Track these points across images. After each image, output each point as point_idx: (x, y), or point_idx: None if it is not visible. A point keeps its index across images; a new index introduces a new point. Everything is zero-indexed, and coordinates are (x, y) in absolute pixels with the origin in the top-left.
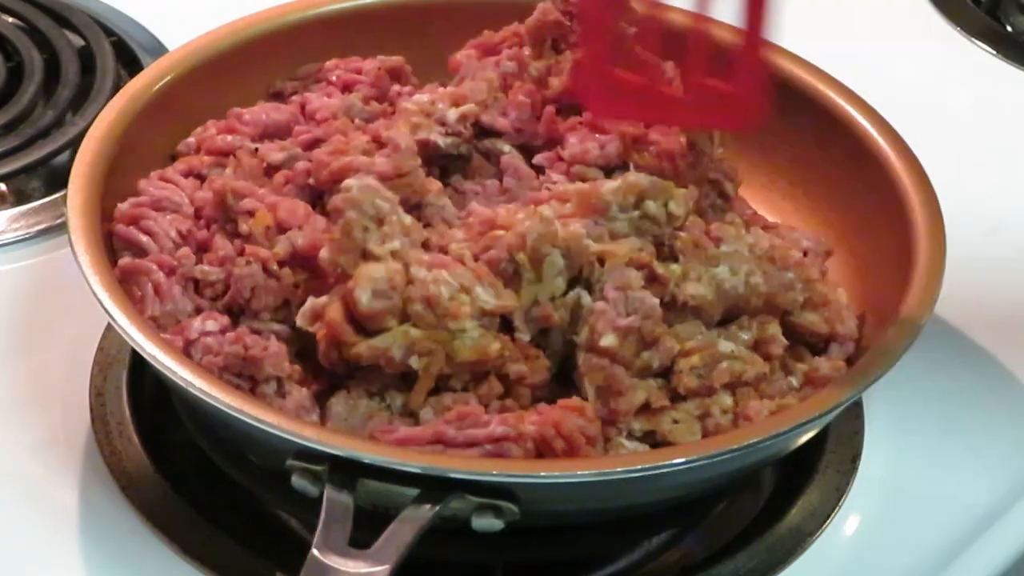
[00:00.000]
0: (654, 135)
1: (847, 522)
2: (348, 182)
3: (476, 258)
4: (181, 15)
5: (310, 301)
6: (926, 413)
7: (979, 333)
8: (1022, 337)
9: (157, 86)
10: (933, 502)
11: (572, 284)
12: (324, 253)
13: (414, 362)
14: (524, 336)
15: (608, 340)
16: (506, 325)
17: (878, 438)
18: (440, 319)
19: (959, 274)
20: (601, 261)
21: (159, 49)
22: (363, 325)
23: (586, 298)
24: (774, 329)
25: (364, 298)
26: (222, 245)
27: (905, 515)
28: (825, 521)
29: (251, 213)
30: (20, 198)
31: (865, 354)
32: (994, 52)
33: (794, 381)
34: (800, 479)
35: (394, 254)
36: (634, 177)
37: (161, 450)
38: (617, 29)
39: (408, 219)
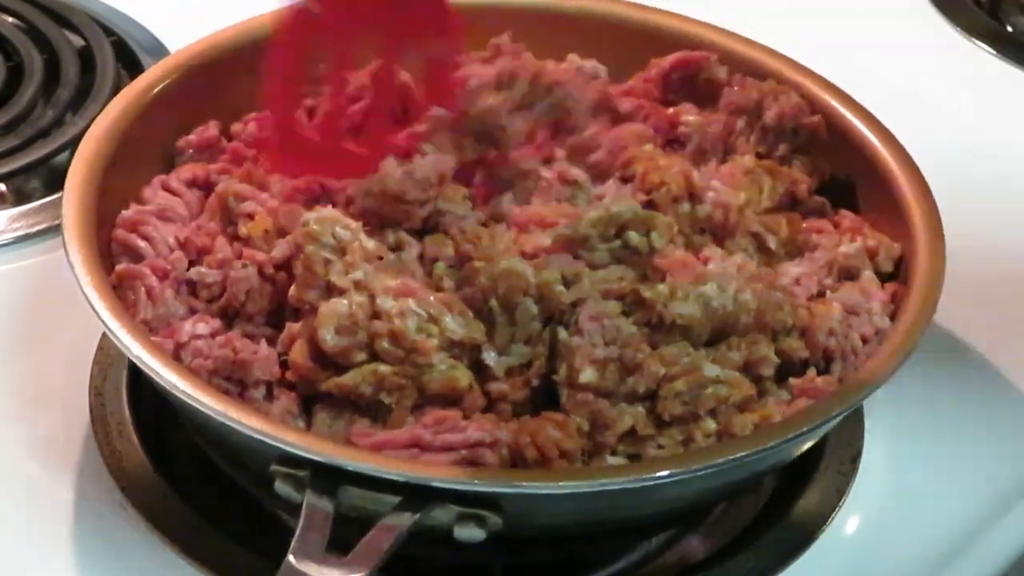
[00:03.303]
0: (715, 182)
1: (847, 522)
2: (306, 215)
3: (458, 287)
4: (181, 15)
5: (288, 327)
6: (926, 413)
7: (978, 334)
8: (1021, 338)
9: (161, 86)
10: (933, 502)
11: (548, 320)
12: (292, 290)
13: (385, 397)
14: (498, 370)
15: (587, 375)
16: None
17: (878, 438)
18: (408, 354)
19: (958, 276)
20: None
21: (159, 49)
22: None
23: (562, 333)
24: (765, 349)
25: (328, 337)
26: (221, 247)
27: (905, 515)
28: (825, 521)
29: (251, 216)
30: (20, 198)
31: (859, 371)
32: (994, 52)
33: (785, 394)
34: (800, 479)
35: (358, 284)
36: (616, 208)
37: (161, 450)
38: (304, 85)
39: (371, 244)
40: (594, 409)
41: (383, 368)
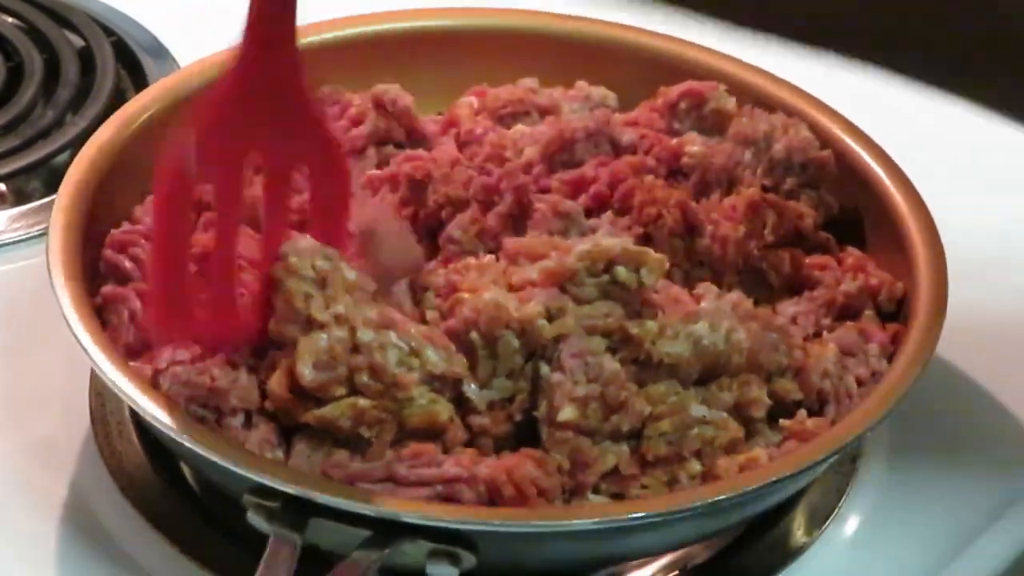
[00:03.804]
0: (715, 215)
1: (847, 522)
2: (284, 248)
3: (444, 318)
4: (181, 15)
5: (270, 355)
6: (927, 413)
7: (977, 336)
8: (1020, 338)
9: (158, 107)
10: (932, 503)
11: (531, 355)
12: (271, 324)
13: (364, 431)
14: (479, 404)
15: (566, 413)
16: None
17: (878, 439)
18: (388, 388)
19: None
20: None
21: (159, 49)
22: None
23: (544, 369)
24: (757, 391)
25: (307, 372)
26: None
27: (905, 515)
28: (825, 521)
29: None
30: (20, 198)
31: (850, 413)
32: None
33: (775, 436)
34: None
35: (338, 318)
36: (605, 242)
37: (161, 450)
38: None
39: (353, 275)
40: (574, 447)
41: (363, 402)
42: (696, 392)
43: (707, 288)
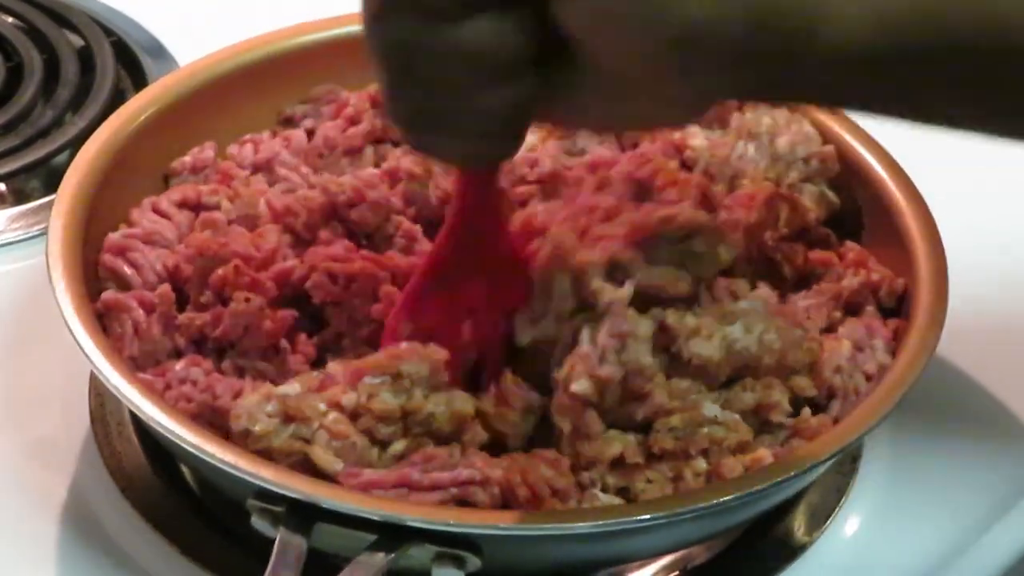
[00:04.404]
0: (728, 202)
1: (847, 522)
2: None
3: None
4: (181, 15)
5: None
6: (926, 413)
7: (977, 335)
8: (1020, 338)
9: (156, 107)
10: (933, 502)
11: (583, 309)
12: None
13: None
14: (522, 338)
15: (580, 386)
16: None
17: (878, 439)
18: (405, 418)
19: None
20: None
21: (159, 49)
22: None
23: (584, 334)
24: (779, 395)
25: (332, 464)
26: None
27: (905, 515)
28: (825, 521)
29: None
30: (20, 198)
31: (853, 411)
32: None
33: (781, 434)
34: None
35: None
36: (689, 212)
37: (161, 450)
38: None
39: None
40: (579, 416)
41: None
42: (719, 394)
43: (739, 285)
